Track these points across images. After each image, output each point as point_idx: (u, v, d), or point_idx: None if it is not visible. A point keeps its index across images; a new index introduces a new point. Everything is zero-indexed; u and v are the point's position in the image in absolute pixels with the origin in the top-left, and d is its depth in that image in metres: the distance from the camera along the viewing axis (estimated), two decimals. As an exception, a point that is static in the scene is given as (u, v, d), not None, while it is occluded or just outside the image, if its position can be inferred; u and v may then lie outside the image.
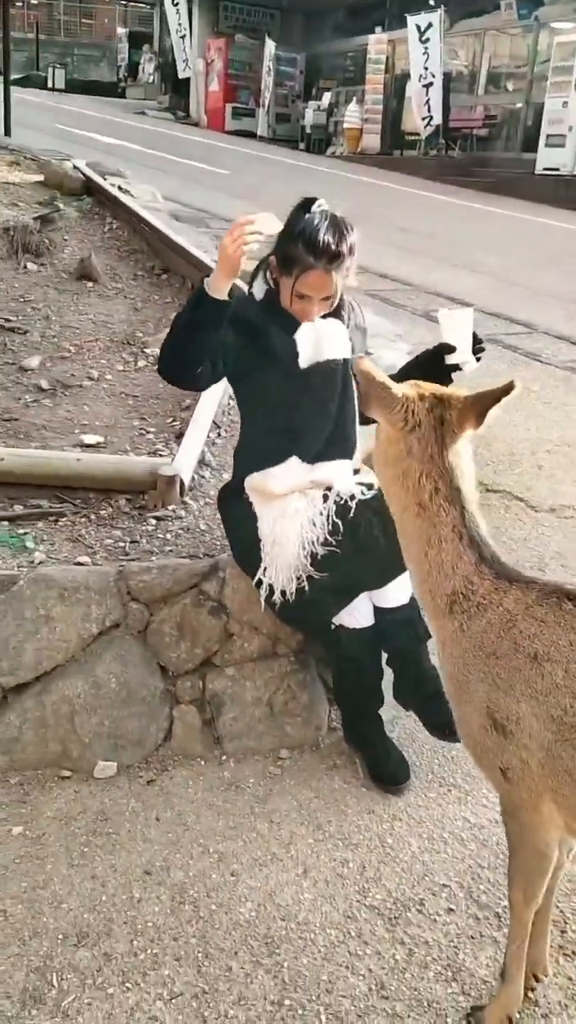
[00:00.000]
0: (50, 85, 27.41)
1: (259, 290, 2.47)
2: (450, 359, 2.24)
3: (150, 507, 3.11)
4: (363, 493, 2.36)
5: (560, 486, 3.91)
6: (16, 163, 6.67)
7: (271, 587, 2.41)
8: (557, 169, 15.42)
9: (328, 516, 2.35)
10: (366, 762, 2.54)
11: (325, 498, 2.39)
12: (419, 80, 17.72)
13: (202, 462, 3.36)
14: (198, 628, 2.65)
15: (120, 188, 6.28)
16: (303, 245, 2.24)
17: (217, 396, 3.69)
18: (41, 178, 6.28)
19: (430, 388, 1.72)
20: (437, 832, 2.34)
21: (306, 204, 2.31)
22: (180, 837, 2.32)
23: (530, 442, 4.32)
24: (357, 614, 2.38)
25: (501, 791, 1.68)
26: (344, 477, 2.44)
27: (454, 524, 1.65)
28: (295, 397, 2.40)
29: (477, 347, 2.24)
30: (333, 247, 2.24)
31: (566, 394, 5.08)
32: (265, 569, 2.41)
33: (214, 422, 3.62)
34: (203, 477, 3.31)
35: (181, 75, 24.81)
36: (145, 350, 4.38)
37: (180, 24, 23.83)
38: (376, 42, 20.32)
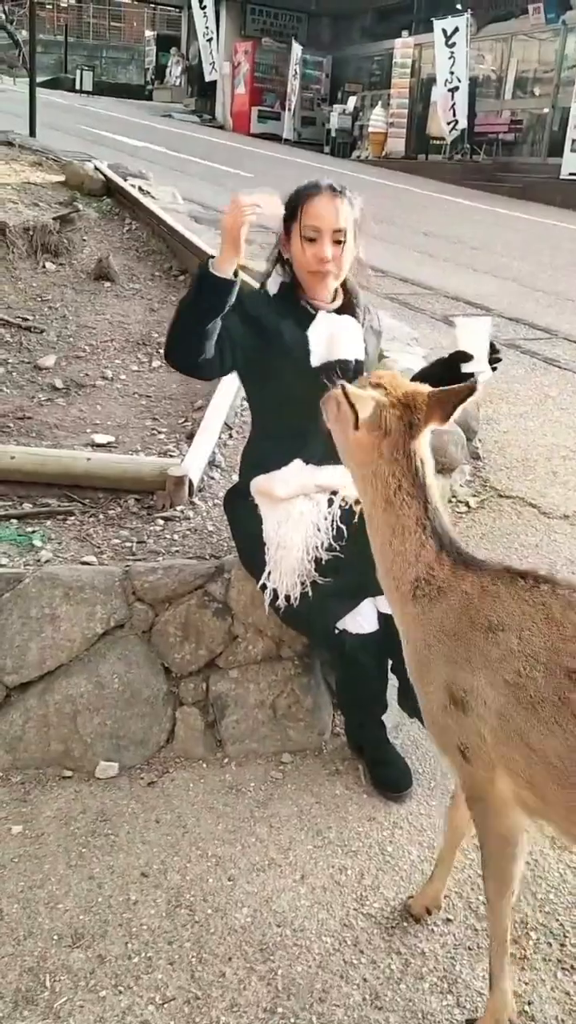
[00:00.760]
0: (78, 87, 27.55)
1: (274, 284, 2.46)
2: (466, 367, 2.21)
3: (158, 507, 3.10)
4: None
5: (573, 493, 3.87)
6: (39, 163, 6.70)
7: (275, 591, 2.39)
8: (582, 174, 15.32)
9: (333, 521, 2.34)
10: (368, 768, 2.52)
11: (330, 502, 2.37)
12: (445, 84, 17.65)
13: (212, 463, 3.35)
14: (202, 629, 2.64)
15: (140, 189, 6.30)
16: (303, 187, 2.35)
17: (229, 397, 3.68)
18: (63, 179, 6.30)
19: (398, 391, 1.78)
20: (438, 841, 2.31)
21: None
22: (179, 840, 2.31)
23: (546, 448, 4.28)
24: (361, 619, 2.35)
25: (463, 774, 1.73)
26: (349, 481, 2.42)
27: (417, 517, 1.75)
28: (304, 396, 2.38)
29: (493, 357, 2.21)
30: (334, 184, 2.34)
31: (583, 400, 5.03)
32: (270, 573, 2.39)
33: (226, 423, 3.61)
34: (212, 478, 3.30)
35: (208, 78, 24.87)
36: (160, 351, 4.38)
37: (207, 27, 23.91)
38: (403, 46, 20.28)
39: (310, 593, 2.35)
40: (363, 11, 23.62)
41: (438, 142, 19.16)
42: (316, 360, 2.38)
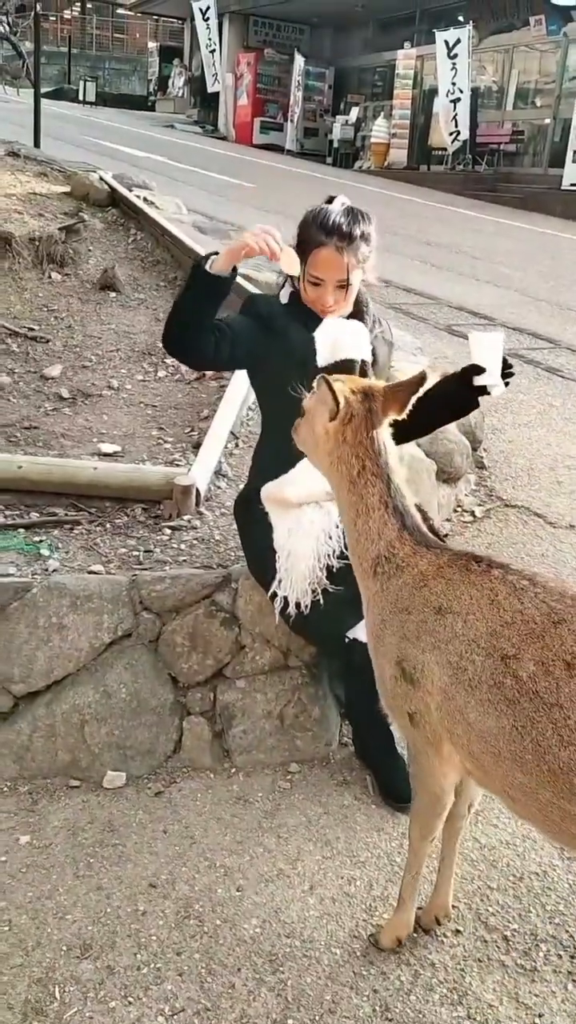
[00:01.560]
0: (81, 98, 27.70)
1: (285, 294, 2.50)
2: (478, 381, 2.22)
3: (165, 517, 3.10)
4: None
5: (579, 503, 3.87)
6: (44, 174, 6.72)
7: (286, 599, 2.39)
8: (584, 185, 15.37)
9: (344, 529, 2.33)
10: (376, 778, 2.52)
11: (339, 511, 2.37)
12: (447, 95, 17.72)
13: (218, 472, 3.36)
14: (210, 639, 2.65)
15: (145, 200, 6.31)
16: (316, 226, 2.34)
17: (235, 407, 3.69)
18: (68, 189, 6.32)
19: (357, 384, 1.94)
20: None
21: (328, 200, 2.41)
22: (186, 850, 2.30)
23: (550, 458, 4.29)
24: (371, 628, 2.35)
25: (408, 736, 1.86)
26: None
27: (381, 495, 1.87)
28: None
29: (506, 371, 2.22)
30: (345, 228, 2.33)
31: (588, 410, 5.03)
32: (280, 581, 2.39)
33: (232, 433, 3.62)
34: (219, 487, 3.31)
35: (210, 89, 24.96)
36: (165, 360, 4.39)
37: (210, 39, 24.00)
38: (404, 57, 20.36)
39: (321, 601, 2.36)
40: (365, 23, 23.70)
41: (440, 152, 19.22)
42: (322, 360, 2.41)
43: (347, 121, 22.56)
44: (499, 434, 4.45)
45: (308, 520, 2.39)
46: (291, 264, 2.30)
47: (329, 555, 2.35)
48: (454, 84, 17.57)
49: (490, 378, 2.23)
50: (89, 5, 38.71)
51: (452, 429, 3.71)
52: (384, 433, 1.91)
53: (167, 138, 21.11)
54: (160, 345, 4.58)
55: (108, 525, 3.05)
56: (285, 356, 2.38)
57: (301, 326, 2.43)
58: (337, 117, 22.92)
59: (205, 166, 15.81)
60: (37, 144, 9.61)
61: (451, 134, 18.03)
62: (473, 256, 10.05)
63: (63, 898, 2.15)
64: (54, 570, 2.75)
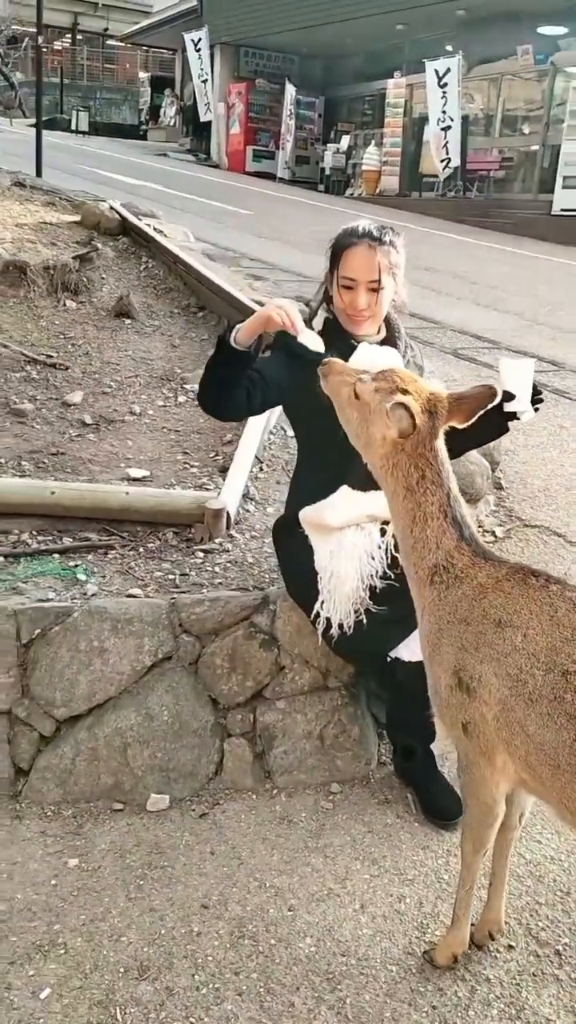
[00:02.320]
0: (74, 127, 27.93)
1: (318, 322, 2.55)
2: (508, 407, 2.27)
3: (197, 540, 3.14)
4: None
5: (597, 522, 3.93)
6: (52, 203, 6.81)
7: (329, 620, 2.43)
8: (574, 210, 15.59)
9: (387, 550, 2.38)
10: (418, 797, 2.55)
11: (383, 532, 2.42)
12: (437, 123, 17.97)
13: (246, 496, 3.40)
14: (249, 661, 2.68)
15: (155, 228, 6.41)
16: (347, 233, 2.45)
17: (259, 432, 3.74)
18: (78, 218, 6.41)
19: (423, 392, 1.92)
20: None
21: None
22: (235, 871, 2.32)
23: (565, 478, 4.35)
24: (414, 646, 2.36)
25: (460, 746, 1.88)
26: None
27: (440, 504, 1.88)
28: None
29: (536, 397, 2.28)
30: (375, 232, 2.42)
31: (596, 431, 5.10)
32: (323, 602, 2.43)
33: (256, 457, 3.66)
34: (248, 511, 3.35)
35: (203, 118, 25.20)
36: (185, 386, 4.44)
37: (202, 69, 24.29)
38: (395, 86, 20.67)
39: (364, 621, 2.39)
40: (354, 52, 24.05)
41: (431, 179, 19.46)
42: None
43: (338, 149, 22.84)
44: (512, 456, 4.51)
45: (351, 542, 2.43)
46: (314, 342, 2.38)
47: (372, 575, 2.39)
48: (444, 112, 17.83)
49: (520, 404, 2.28)
50: (79, 36, 39.24)
51: (473, 451, 3.76)
52: (441, 442, 1.92)
53: (161, 166, 21.31)
54: (178, 371, 4.67)
55: (141, 549, 3.09)
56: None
57: (336, 353, 2.47)
58: (328, 145, 23.21)
59: (200, 193, 15.97)
60: (39, 173, 9.74)
61: (442, 161, 18.27)
62: (471, 281, 10.17)
63: (116, 920, 2.17)
64: (93, 594, 2.77)
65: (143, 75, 34.81)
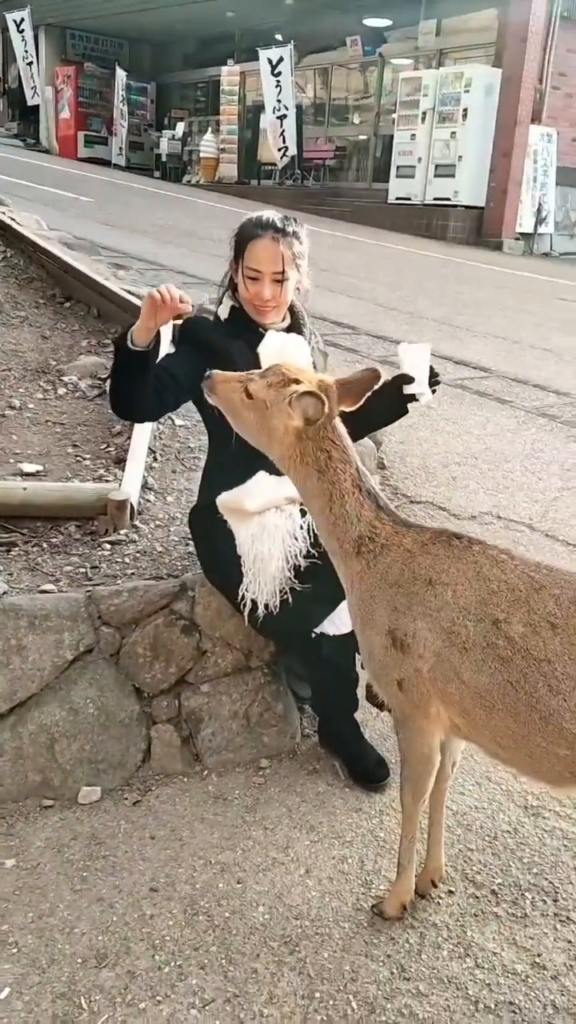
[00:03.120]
0: None
1: (224, 310, 2.58)
2: (408, 389, 2.41)
3: (101, 532, 3.12)
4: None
5: (474, 495, 4.16)
6: None
7: (254, 601, 2.48)
8: (408, 199, 16.17)
9: (309, 528, 2.46)
10: (346, 764, 2.65)
11: (303, 512, 2.49)
12: (273, 112, 18.17)
13: (145, 486, 3.40)
14: (171, 648, 2.70)
15: (9, 216, 6.19)
16: (251, 224, 2.51)
17: (150, 423, 3.73)
18: None
19: (313, 379, 2.03)
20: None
21: None
22: (178, 852, 2.36)
23: (440, 456, 4.57)
24: (338, 621, 2.48)
25: (395, 703, 2.00)
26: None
27: (352, 479, 2.01)
28: None
29: (433, 380, 2.42)
30: (279, 223, 2.49)
31: (459, 410, 5.38)
32: (248, 585, 2.48)
33: (149, 448, 3.66)
34: (148, 500, 3.35)
35: (30, 102, 24.37)
36: (63, 378, 4.36)
37: (27, 51, 23.44)
38: (228, 74, 20.72)
39: (290, 600, 2.46)
40: (185, 38, 23.92)
41: (270, 167, 19.66)
42: None
43: (173, 136, 22.69)
44: (388, 436, 4.69)
45: (272, 524, 2.49)
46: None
47: (296, 555, 2.46)
48: (279, 101, 18.04)
49: (418, 387, 2.42)
50: None
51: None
52: (339, 424, 2.04)
53: (-11, 152, 20.47)
54: (53, 363, 4.57)
55: (44, 544, 3.04)
56: None
57: (243, 344, 2.52)
58: (163, 132, 23.00)
59: (35, 180, 15.45)
60: None
61: (280, 149, 18.50)
62: (321, 268, 10.36)
63: (66, 913, 2.16)
64: (4, 592, 2.72)
65: (-39, 56, 33.15)
